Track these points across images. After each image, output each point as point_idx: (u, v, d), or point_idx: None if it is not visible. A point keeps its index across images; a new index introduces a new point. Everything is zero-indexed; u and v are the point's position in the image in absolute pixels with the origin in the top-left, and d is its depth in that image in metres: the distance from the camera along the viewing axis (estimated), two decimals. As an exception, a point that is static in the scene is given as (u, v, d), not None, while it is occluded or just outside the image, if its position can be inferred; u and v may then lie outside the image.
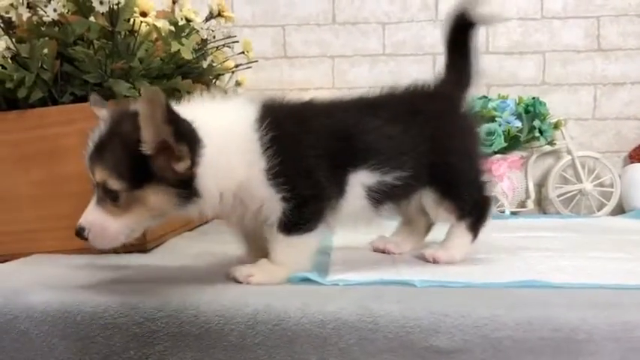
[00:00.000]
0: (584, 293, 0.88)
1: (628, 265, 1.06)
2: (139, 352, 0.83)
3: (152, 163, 0.82)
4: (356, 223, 1.03)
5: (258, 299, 0.83)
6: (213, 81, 1.59)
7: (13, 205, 1.21)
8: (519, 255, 1.16)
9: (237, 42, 1.42)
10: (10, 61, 1.15)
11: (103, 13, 1.14)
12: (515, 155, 1.76)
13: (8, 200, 1.21)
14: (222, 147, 0.86)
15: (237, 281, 0.92)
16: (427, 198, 1.05)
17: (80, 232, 0.87)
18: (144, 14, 1.16)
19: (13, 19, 1.15)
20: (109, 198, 0.85)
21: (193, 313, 0.82)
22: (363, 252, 1.17)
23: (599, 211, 1.87)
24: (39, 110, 1.18)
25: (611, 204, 1.85)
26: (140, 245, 1.20)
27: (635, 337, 0.77)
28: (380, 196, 0.98)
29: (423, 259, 1.08)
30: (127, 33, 1.20)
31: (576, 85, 1.93)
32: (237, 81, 1.77)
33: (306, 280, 0.93)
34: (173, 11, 1.33)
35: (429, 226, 1.17)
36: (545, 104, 1.78)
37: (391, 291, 0.89)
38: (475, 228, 1.07)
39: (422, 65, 1.95)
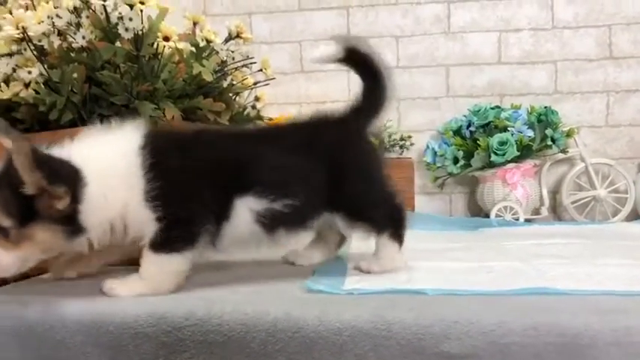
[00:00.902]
0: (589, 299, 0.91)
1: (635, 271, 1.09)
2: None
3: (36, 203, 0.87)
4: (247, 246, 1.06)
5: (278, 308, 0.88)
6: (234, 98, 1.66)
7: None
8: (531, 263, 1.19)
9: (254, 63, 1.48)
10: (42, 86, 1.22)
11: (128, 39, 1.21)
12: (528, 163, 1.79)
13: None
14: (103, 177, 0.91)
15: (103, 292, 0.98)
16: (339, 222, 1.07)
17: None
18: (167, 39, 1.22)
19: (45, 46, 1.22)
20: (1, 233, 0.89)
21: (217, 322, 0.88)
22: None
23: (614, 217, 1.89)
24: (69, 130, 1.25)
25: (626, 210, 1.87)
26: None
27: (638, 342, 0.80)
28: (271, 222, 1.01)
29: (360, 271, 1.11)
30: (151, 56, 1.26)
31: (589, 94, 1.95)
32: (256, 96, 1.83)
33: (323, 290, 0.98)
34: (194, 33, 1.40)
35: (341, 240, 1.21)
36: (557, 113, 1.81)
37: (404, 299, 0.93)
38: (398, 236, 1.10)
39: (435, 77, 2.00)
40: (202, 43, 1.39)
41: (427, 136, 2.00)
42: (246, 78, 1.50)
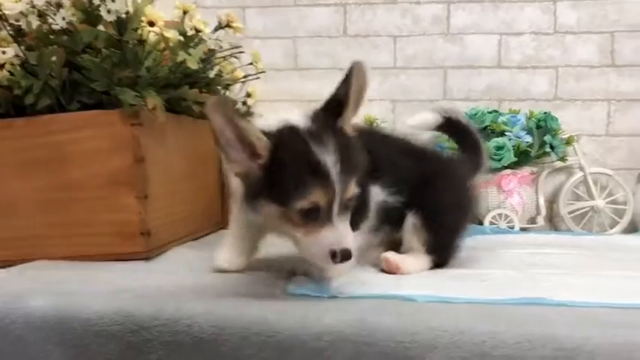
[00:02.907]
0: (587, 312, 0.86)
1: (635, 284, 1.04)
2: (133, 361, 0.82)
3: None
4: None
5: (254, 310, 0.83)
6: (223, 92, 1.60)
7: (18, 211, 1.21)
8: (526, 272, 1.14)
9: (243, 52, 1.42)
10: (18, 68, 1.16)
11: (111, 23, 1.15)
12: (525, 170, 1.74)
13: (14, 206, 1.21)
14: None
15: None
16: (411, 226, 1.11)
17: (349, 256, 0.86)
18: (152, 24, 1.17)
19: (23, 26, 1.16)
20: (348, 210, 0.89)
21: (187, 322, 0.82)
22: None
23: (611, 228, 1.83)
24: (46, 117, 1.19)
25: (624, 222, 1.81)
26: (143, 253, 1.20)
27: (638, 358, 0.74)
28: (383, 215, 1.07)
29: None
30: (136, 42, 1.21)
31: (589, 101, 1.90)
32: (247, 92, 1.77)
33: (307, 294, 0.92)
34: (182, 21, 1.34)
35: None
36: (557, 119, 1.76)
37: (391, 305, 0.88)
38: (434, 260, 1.13)
39: (433, 78, 1.94)
40: (191, 32, 1.34)
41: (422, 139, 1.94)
42: (236, 70, 1.44)
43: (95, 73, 1.14)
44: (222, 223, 1.77)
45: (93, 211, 1.19)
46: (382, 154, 1.05)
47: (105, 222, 1.19)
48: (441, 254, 1.14)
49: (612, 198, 1.84)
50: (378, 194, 1.05)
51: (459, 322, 0.81)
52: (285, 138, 0.86)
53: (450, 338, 0.78)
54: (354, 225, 0.93)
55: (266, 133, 0.85)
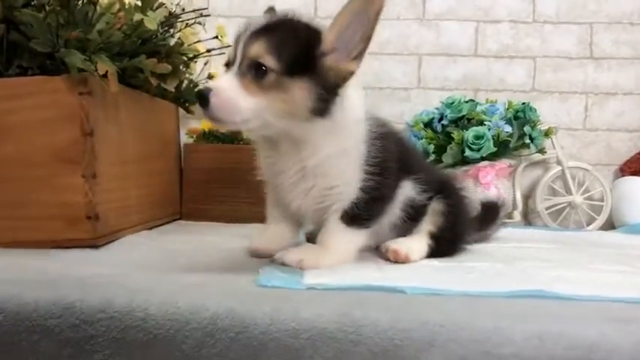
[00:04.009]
0: (597, 306, 0.76)
1: (634, 278, 0.96)
2: (72, 362, 0.68)
3: (319, 60, 0.86)
4: (379, 234, 1.06)
5: (220, 302, 0.70)
6: (183, 68, 1.46)
7: (-56, 190, 1.05)
8: (515, 265, 1.05)
9: (208, 15, 1.28)
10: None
11: (57, -25, 1.01)
12: (503, 163, 1.65)
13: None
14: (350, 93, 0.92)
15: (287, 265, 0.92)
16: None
17: (204, 94, 0.84)
18: (104, -22, 1.03)
19: (-48, -25, 1.01)
20: (253, 74, 0.85)
21: (141, 316, 0.68)
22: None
23: (588, 225, 1.77)
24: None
25: (602, 218, 1.75)
26: (90, 240, 1.06)
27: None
28: (411, 213, 1.06)
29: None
30: (86, 0, 1.06)
31: (567, 94, 1.83)
32: (209, 74, 1.64)
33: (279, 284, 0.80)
34: (140, -17, 1.20)
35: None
36: (535, 110, 1.68)
37: (377, 298, 0.77)
38: (439, 250, 1.08)
39: (406, 65, 1.84)
40: (150, -3, 1.20)
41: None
42: (199, 41, 1.31)
43: (37, 30, 1.00)
44: (179, 213, 1.63)
45: (32, 190, 1.04)
46: (414, 154, 1.12)
47: (46, 203, 1.04)
48: (450, 244, 1.10)
49: (589, 194, 1.78)
50: (408, 190, 1.04)
51: (457, 316, 0.70)
52: None
53: (449, 335, 0.68)
54: (362, 219, 0.96)
55: None
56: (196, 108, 1.67)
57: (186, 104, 1.63)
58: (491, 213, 1.35)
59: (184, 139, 1.74)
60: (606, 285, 0.88)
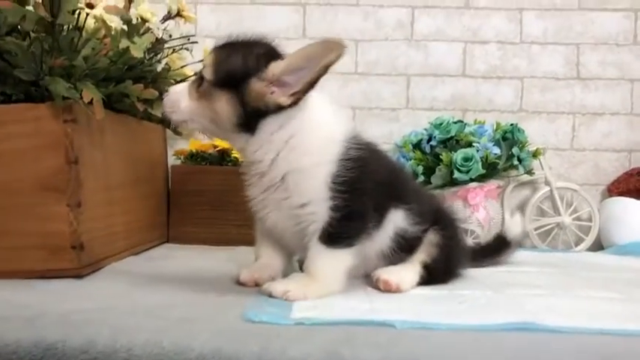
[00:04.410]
0: (583, 340, 0.76)
1: (627, 307, 0.95)
2: (53, 406, 0.66)
3: (250, 82, 0.90)
4: (367, 265, 1.06)
5: (206, 342, 0.69)
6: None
7: None
8: (506, 292, 1.04)
9: (196, 42, 1.28)
10: None
11: (42, 2, 1.00)
12: (492, 184, 1.65)
13: None
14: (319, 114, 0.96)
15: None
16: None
17: (162, 93, 1.00)
18: (90, 5, 1.02)
19: None
20: (198, 83, 0.94)
21: (124, 356, 0.67)
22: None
23: (577, 246, 1.77)
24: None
25: (590, 239, 1.75)
26: (74, 270, 1.04)
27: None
28: (402, 244, 1.05)
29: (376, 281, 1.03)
30: (71, 27, 1.05)
31: (554, 114, 1.84)
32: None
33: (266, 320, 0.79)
34: (127, 8, 1.19)
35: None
36: (523, 131, 1.68)
37: (367, 333, 0.75)
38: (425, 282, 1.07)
39: (395, 86, 1.85)
40: (136, 21, 1.19)
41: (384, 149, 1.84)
42: (186, 65, 1.30)
43: (21, 59, 0.98)
44: (167, 236, 1.61)
45: (15, 219, 1.02)
46: (406, 183, 1.12)
47: (29, 233, 1.02)
48: (442, 275, 1.11)
49: (577, 214, 1.79)
50: (400, 221, 1.05)
51: (450, 352, 0.69)
52: None
53: (439, 374, 0.67)
54: (340, 237, 0.95)
55: None
56: (184, 129, 1.67)
57: (174, 125, 1.62)
58: (502, 246, 1.39)
59: (172, 160, 1.73)
60: (593, 315, 0.88)
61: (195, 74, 1.35)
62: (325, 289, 0.95)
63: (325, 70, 0.88)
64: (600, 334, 0.78)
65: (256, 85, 0.90)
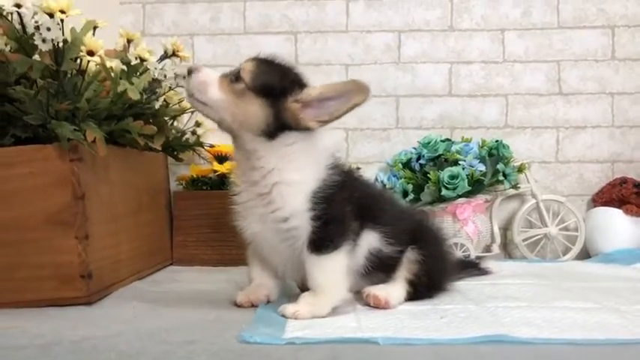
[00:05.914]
0: (554, 350, 0.83)
1: (596, 317, 1.02)
2: None
3: (286, 98, 1.01)
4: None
5: (205, 363, 0.76)
6: (170, 122, 1.53)
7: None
8: (485, 306, 1.11)
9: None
10: (-55, 100, 1.07)
11: (48, 52, 1.08)
12: (479, 199, 1.73)
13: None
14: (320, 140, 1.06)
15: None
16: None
17: (192, 69, 1.04)
18: (91, 53, 1.10)
19: (-50, 56, 1.08)
20: (232, 79, 1.02)
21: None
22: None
23: (564, 255, 1.84)
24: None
25: (577, 248, 1.82)
26: (84, 298, 1.12)
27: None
28: (376, 264, 1.11)
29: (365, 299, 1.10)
30: (75, 72, 1.14)
31: (539, 128, 1.92)
32: (196, 121, 1.72)
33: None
34: (125, 50, 1.28)
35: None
36: (508, 147, 1.76)
37: (353, 350, 0.83)
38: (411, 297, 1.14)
39: (385, 107, 1.93)
40: (135, 62, 1.27)
41: (376, 168, 1.92)
42: (182, 100, 1.38)
43: (29, 105, 1.07)
44: (171, 259, 1.69)
45: (27, 253, 1.11)
46: (380, 205, 1.16)
47: (41, 265, 1.10)
48: (427, 290, 1.17)
49: (564, 225, 1.86)
50: (374, 241, 1.11)
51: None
52: None
53: (416, 386, 0.74)
54: (326, 241, 1.02)
55: None
56: (185, 155, 1.76)
57: (175, 153, 1.70)
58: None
59: (174, 185, 1.81)
60: (565, 326, 0.95)
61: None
62: (333, 299, 1.03)
63: (352, 108, 1.00)
64: (568, 345, 0.85)
65: (292, 105, 1.01)
